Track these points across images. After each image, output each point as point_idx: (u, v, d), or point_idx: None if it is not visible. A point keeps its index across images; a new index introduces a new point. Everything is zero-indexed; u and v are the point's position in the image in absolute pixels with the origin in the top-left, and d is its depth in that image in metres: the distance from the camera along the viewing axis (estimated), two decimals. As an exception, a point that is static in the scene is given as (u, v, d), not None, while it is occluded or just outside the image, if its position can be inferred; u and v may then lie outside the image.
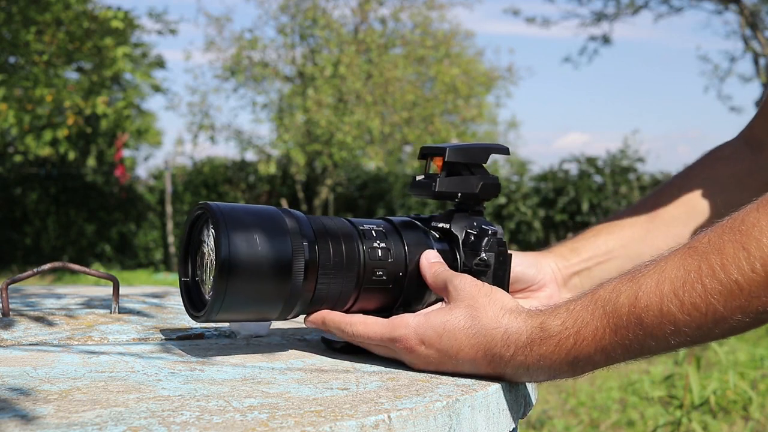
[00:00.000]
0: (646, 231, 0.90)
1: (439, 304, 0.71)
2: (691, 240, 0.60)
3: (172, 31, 10.27)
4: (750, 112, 10.68)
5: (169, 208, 10.42)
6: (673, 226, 0.90)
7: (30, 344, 0.75)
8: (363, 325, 0.69)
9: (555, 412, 3.48)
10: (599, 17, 11.90)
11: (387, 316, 0.70)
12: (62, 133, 9.31)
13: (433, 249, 0.74)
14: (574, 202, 10.08)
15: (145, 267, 10.38)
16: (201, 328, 0.84)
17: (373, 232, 0.72)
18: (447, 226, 0.76)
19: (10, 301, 0.95)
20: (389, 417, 0.54)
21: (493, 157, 0.88)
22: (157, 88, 13.02)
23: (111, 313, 0.91)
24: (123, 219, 10.69)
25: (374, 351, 0.71)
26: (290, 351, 0.75)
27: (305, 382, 0.62)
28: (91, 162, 11.55)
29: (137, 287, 1.25)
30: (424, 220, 0.78)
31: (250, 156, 12.76)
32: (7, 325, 0.81)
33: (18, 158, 10.84)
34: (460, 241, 0.76)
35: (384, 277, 0.71)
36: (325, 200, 11.09)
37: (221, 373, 0.65)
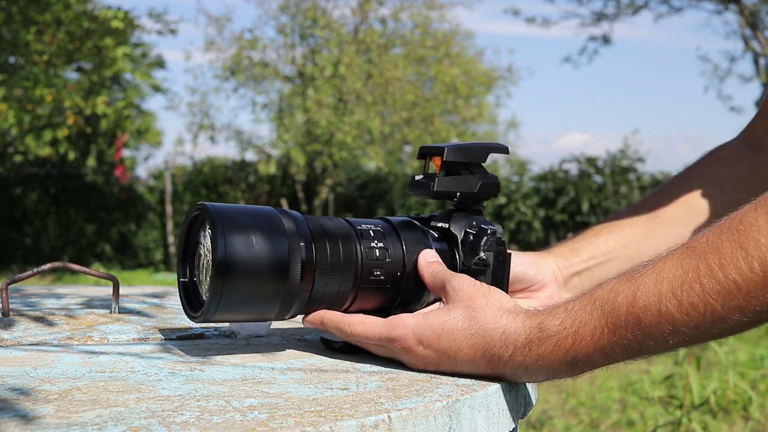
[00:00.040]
0: (646, 231, 0.90)
1: (437, 305, 0.71)
2: (689, 240, 0.60)
3: (172, 31, 10.27)
4: (750, 112, 10.69)
5: (169, 208, 10.42)
6: (673, 226, 0.90)
7: (30, 344, 0.75)
8: (361, 325, 0.69)
9: (555, 412, 3.48)
10: (599, 17, 11.90)
11: (385, 316, 0.70)
12: (62, 133, 9.31)
13: (431, 249, 0.74)
14: (574, 202, 10.08)
15: (145, 267, 10.38)
16: (201, 328, 0.84)
17: (371, 231, 0.72)
18: (446, 225, 0.76)
19: (10, 301, 0.95)
20: (389, 417, 0.54)
21: (492, 156, 0.88)
22: (157, 88, 13.02)
23: (111, 313, 0.91)
24: (123, 219, 10.69)
25: (373, 351, 0.71)
26: (290, 351, 0.75)
27: (305, 382, 0.62)
28: (91, 162, 11.55)
29: (137, 287, 1.25)
30: (423, 220, 0.78)
31: (250, 156, 12.78)
32: (7, 325, 0.81)
33: (18, 158, 10.84)
34: (459, 241, 0.75)
35: (382, 277, 0.71)
36: (325, 200, 11.09)
37: (221, 373, 0.65)
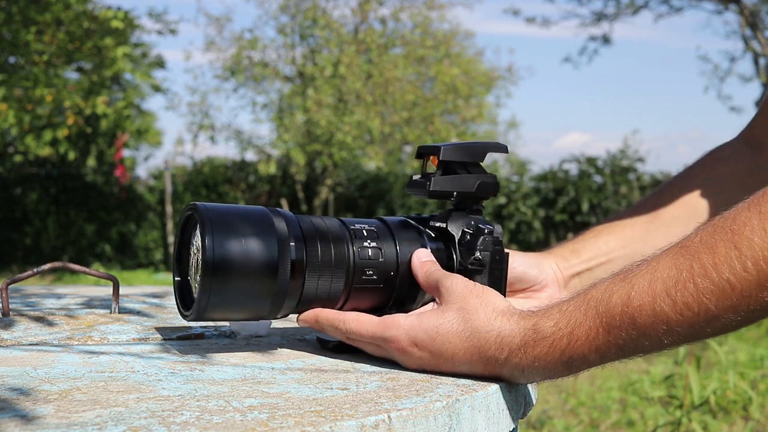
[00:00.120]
0: (647, 231, 0.90)
1: (431, 305, 0.71)
2: (682, 239, 0.60)
3: (172, 31, 10.28)
4: (750, 112, 10.68)
5: (169, 208, 10.42)
6: (673, 226, 0.90)
7: (30, 344, 0.75)
8: (356, 323, 0.69)
9: (555, 412, 3.48)
10: (599, 17, 11.90)
11: (380, 316, 0.69)
12: (62, 133, 9.32)
13: (426, 248, 0.74)
14: (574, 202, 10.08)
15: (145, 267, 10.38)
16: (201, 328, 0.84)
17: (364, 231, 0.72)
18: (444, 225, 0.76)
19: (10, 301, 0.95)
20: (389, 417, 0.54)
21: (492, 156, 0.88)
22: (157, 88, 13.02)
23: (111, 313, 0.91)
24: (123, 219, 10.69)
25: (367, 350, 0.71)
26: (290, 351, 0.75)
27: (305, 382, 0.62)
28: (91, 162, 11.55)
29: (137, 287, 1.25)
30: (421, 219, 0.77)
31: (250, 156, 12.77)
32: (7, 325, 0.81)
33: (18, 158, 10.84)
34: (456, 240, 0.75)
35: (374, 277, 0.71)
36: (325, 200, 11.09)
37: (221, 373, 0.65)
